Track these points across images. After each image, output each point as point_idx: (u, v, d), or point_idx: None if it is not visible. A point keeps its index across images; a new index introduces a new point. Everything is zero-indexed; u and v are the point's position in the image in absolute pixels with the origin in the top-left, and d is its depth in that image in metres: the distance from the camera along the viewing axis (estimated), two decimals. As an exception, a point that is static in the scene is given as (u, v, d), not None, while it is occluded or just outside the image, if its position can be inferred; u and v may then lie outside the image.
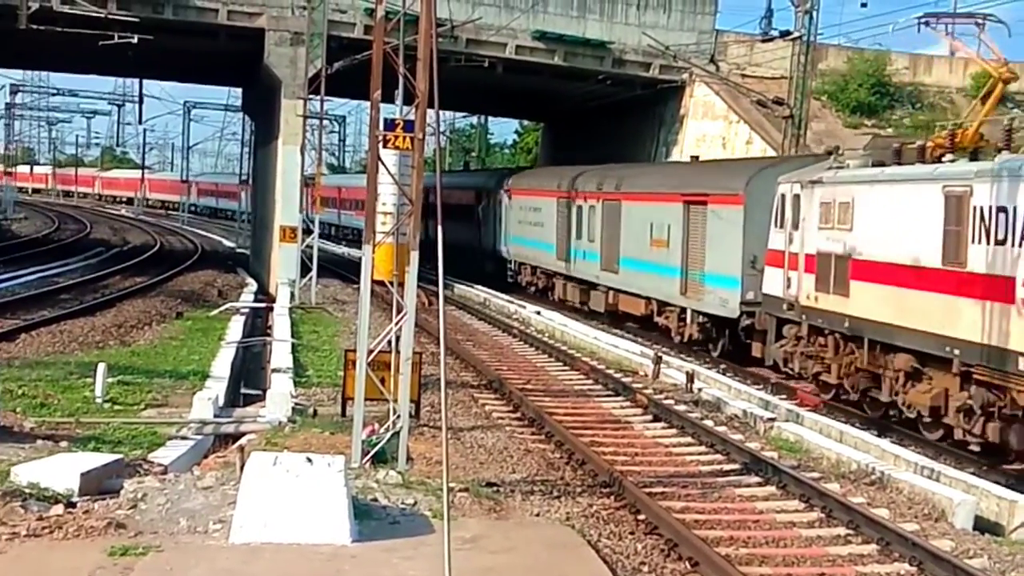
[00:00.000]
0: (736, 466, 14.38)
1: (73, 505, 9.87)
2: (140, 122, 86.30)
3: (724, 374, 21.71)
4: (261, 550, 8.97)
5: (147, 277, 37.71)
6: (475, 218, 43.43)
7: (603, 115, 43.25)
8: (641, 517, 11.61)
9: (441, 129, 35.70)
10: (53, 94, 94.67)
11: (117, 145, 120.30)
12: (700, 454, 15.21)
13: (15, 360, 19.50)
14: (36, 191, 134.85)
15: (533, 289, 37.07)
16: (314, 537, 9.20)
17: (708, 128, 39.16)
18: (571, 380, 21.25)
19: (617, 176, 31.36)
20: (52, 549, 8.84)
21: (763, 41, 36.98)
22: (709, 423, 16.82)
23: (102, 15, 31.31)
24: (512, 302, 33.95)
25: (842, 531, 11.63)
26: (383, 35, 11.02)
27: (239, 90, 61.67)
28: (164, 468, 12.23)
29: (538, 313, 30.93)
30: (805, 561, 10.71)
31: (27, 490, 10.05)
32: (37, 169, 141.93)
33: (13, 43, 34.32)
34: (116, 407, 16.13)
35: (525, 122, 75.10)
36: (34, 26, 31.46)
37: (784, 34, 35.45)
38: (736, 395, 19.29)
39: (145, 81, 73.00)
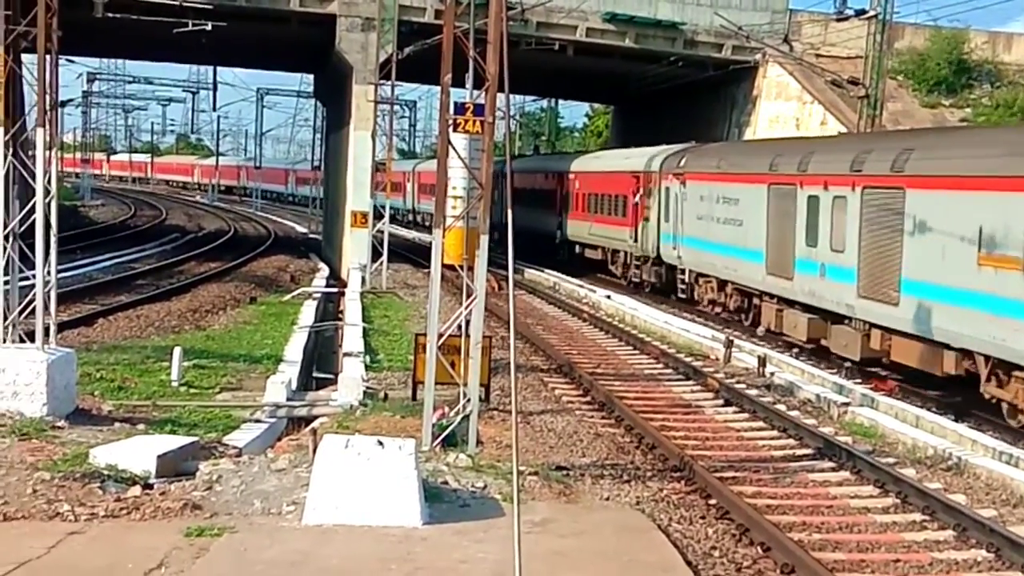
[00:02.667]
0: (809, 451, 14.22)
1: (150, 487, 10.05)
2: (214, 109, 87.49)
3: (797, 358, 21.44)
4: (333, 532, 9.06)
5: (221, 262, 38.22)
6: (627, 212, 33.92)
7: (674, 97, 42.89)
8: (712, 502, 11.53)
9: (511, 113, 35.60)
10: (129, 82, 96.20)
11: (192, 132, 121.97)
12: (772, 439, 15.06)
13: (93, 344, 19.89)
14: (116, 178, 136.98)
15: (719, 311, 27.28)
16: (385, 519, 9.26)
17: (781, 109, 38.69)
18: (641, 364, 21.15)
19: (895, 148, 19.30)
20: (130, 529, 9.00)
21: (838, 20, 36.35)
22: (782, 407, 16.64)
23: (177, 3, 31.74)
24: (582, 286, 33.85)
25: (918, 517, 11.45)
26: (453, 19, 11.01)
27: (311, 76, 62.13)
28: (238, 451, 12.40)
29: (608, 297, 30.79)
30: (880, 547, 10.56)
31: (105, 472, 10.25)
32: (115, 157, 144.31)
33: (90, 32, 34.84)
34: (192, 390, 16.39)
35: (595, 105, 74.80)
36: (110, 14, 31.97)
37: (859, 13, 34.82)
38: (810, 379, 19.06)
39: (219, 68, 73.93)
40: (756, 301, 24.81)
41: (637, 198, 33.10)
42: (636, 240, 33.36)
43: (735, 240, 25.60)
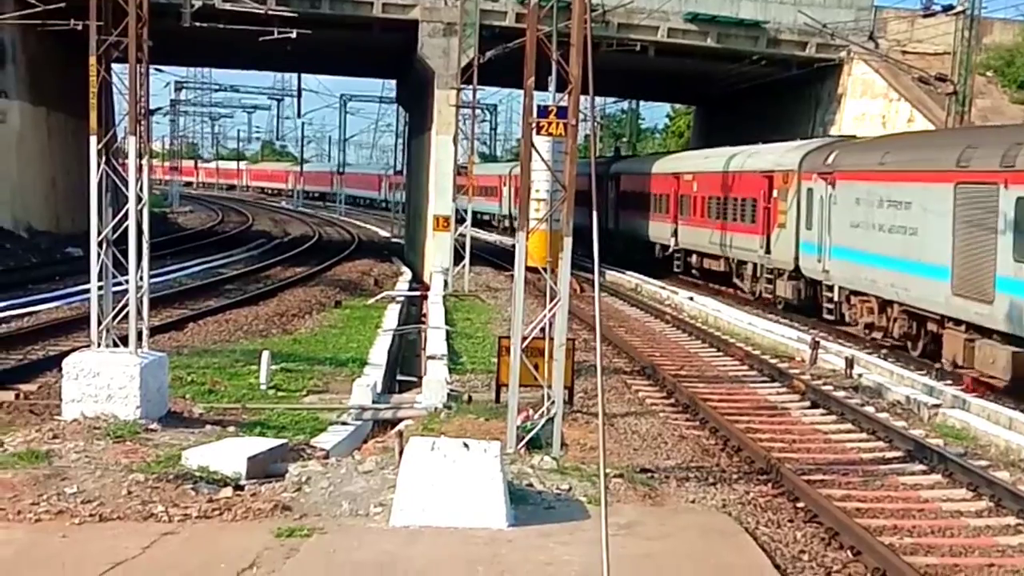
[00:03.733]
0: (899, 454, 14.00)
1: (241, 488, 10.21)
2: (299, 115, 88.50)
3: (886, 359, 21.11)
4: (420, 533, 9.13)
5: (307, 267, 38.68)
6: (757, 218, 30.22)
7: (757, 96, 42.52)
8: (800, 505, 11.41)
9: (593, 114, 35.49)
10: (215, 90, 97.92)
11: (277, 139, 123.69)
12: (861, 441, 14.85)
13: (184, 348, 20.24)
14: (202, 184, 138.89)
15: (878, 336, 22.98)
16: (471, 521, 9.31)
17: (867, 107, 38.17)
18: (725, 366, 21.00)
19: None
20: (222, 530, 9.16)
21: (924, 16, 35.81)
22: (870, 409, 16.41)
23: (262, 11, 32.21)
24: (664, 288, 33.69)
25: (1012, 520, 11.21)
26: (536, 22, 11.04)
27: (393, 82, 62.65)
28: (326, 452, 12.54)
29: (691, 299, 30.62)
30: (973, 551, 10.36)
31: (197, 473, 10.44)
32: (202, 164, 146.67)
33: (178, 41, 35.53)
34: (280, 393, 16.62)
35: (676, 106, 74.39)
36: (197, 24, 32.56)
37: (947, 8, 34.25)
38: (898, 381, 18.76)
39: (303, 75, 74.89)
40: (934, 328, 20.19)
41: (769, 202, 29.36)
42: (768, 250, 29.32)
43: (905, 252, 20.99)
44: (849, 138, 29.44)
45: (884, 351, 22.14)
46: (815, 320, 26.13)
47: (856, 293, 23.88)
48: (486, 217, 66.74)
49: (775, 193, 28.97)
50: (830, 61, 38.81)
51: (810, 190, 26.50)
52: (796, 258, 27.44)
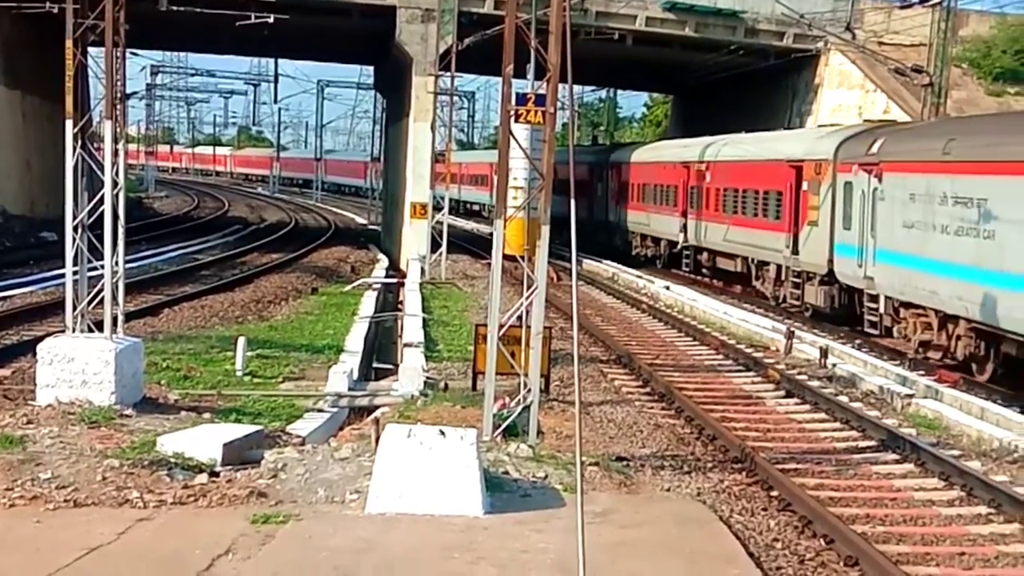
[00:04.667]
0: (872, 443, 14.10)
1: (216, 474, 10.19)
2: (275, 101, 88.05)
3: (860, 349, 21.24)
4: (396, 520, 9.14)
5: (283, 253, 38.59)
6: (782, 213, 27.14)
7: (734, 86, 42.63)
8: (774, 493, 11.48)
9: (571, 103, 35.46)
10: (192, 75, 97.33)
11: (253, 124, 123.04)
12: (835, 430, 14.94)
13: (159, 334, 20.18)
14: (174, 170, 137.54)
15: (937, 356, 19.66)
16: (447, 509, 9.33)
17: (843, 98, 38.35)
18: (701, 355, 21.08)
19: None
20: (197, 516, 9.15)
21: (902, 7, 36.03)
22: (844, 399, 16.51)
23: (239, -4, 32.08)
24: (640, 277, 33.75)
25: (983, 510, 11.31)
26: (515, 9, 11.03)
27: (371, 68, 62.48)
28: (302, 439, 12.54)
29: (667, 288, 30.68)
30: (945, 540, 10.45)
31: (172, 459, 10.42)
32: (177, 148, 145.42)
33: (154, 25, 35.33)
34: (255, 380, 16.59)
35: (654, 95, 74.49)
36: (174, 7, 32.38)
37: (923, 0, 34.40)
38: (872, 371, 18.88)
39: (280, 61, 74.55)
40: (1011, 350, 17.39)
41: (797, 195, 26.27)
42: (795, 251, 26.20)
43: (978, 259, 17.74)
44: (891, 123, 26.98)
45: (858, 341, 22.25)
46: (849, 331, 23.36)
47: (908, 305, 20.45)
48: (475, 207, 66.20)
49: (805, 185, 25.74)
50: (807, 51, 38.96)
51: (848, 183, 23.26)
52: (830, 261, 24.27)
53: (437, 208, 34.88)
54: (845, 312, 24.06)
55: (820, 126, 30.34)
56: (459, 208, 65.79)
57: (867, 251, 22.18)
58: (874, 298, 21.97)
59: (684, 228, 34.50)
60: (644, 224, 38.85)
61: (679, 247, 35.08)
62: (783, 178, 26.87)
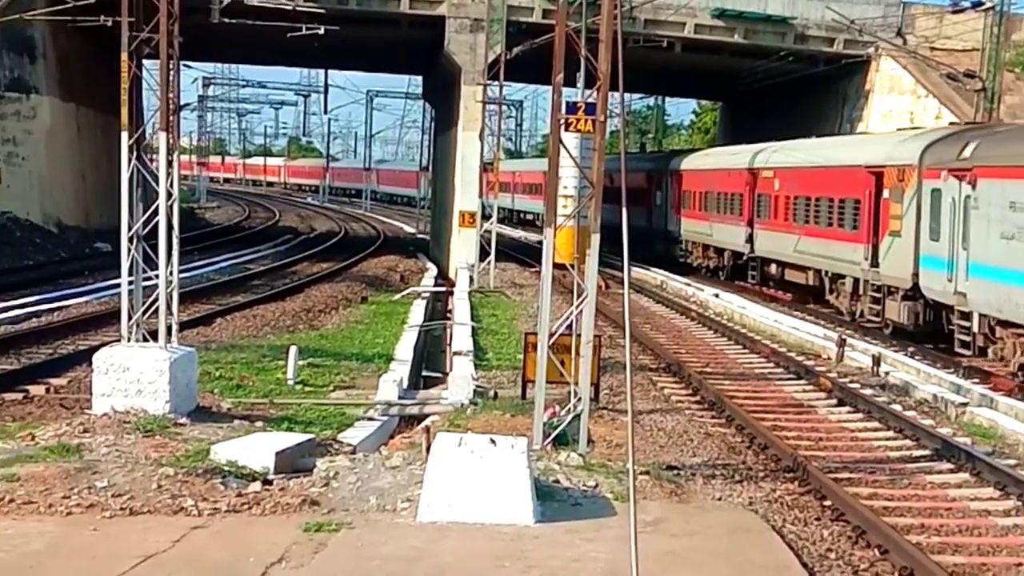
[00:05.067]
0: (926, 452, 13.95)
1: (269, 482, 10.27)
2: (325, 112, 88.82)
3: (913, 357, 21.01)
4: (447, 529, 9.17)
5: (333, 263, 38.83)
6: (860, 223, 25.32)
7: (783, 93, 42.38)
8: (827, 503, 11.39)
9: (621, 111, 35.40)
10: (243, 86, 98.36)
11: (303, 134, 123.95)
12: (888, 439, 14.80)
13: (212, 343, 20.37)
14: (227, 180, 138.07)
15: None
16: (498, 517, 9.34)
17: (895, 103, 38.00)
18: (751, 363, 20.96)
19: None
20: (251, 524, 9.23)
21: (953, 12, 35.60)
22: (897, 407, 16.35)
23: (290, 7, 32.42)
24: (689, 284, 33.63)
25: (1041, 521, 11.17)
26: (565, 18, 11.05)
27: (419, 78, 62.75)
28: (353, 448, 12.59)
29: (716, 296, 30.54)
30: (1001, 550, 10.32)
31: (226, 467, 10.51)
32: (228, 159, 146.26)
33: (206, 37, 35.73)
34: (307, 389, 16.70)
35: (703, 102, 74.21)
36: (226, 20, 32.75)
37: (976, 4, 34.02)
38: (926, 379, 18.68)
39: (330, 71, 75.14)
40: None
41: (877, 203, 24.60)
42: (875, 263, 24.39)
43: None
44: (982, 124, 25.70)
45: (911, 349, 22.01)
46: (936, 351, 21.65)
47: (1007, 324, 19.04)
48: (529, 216, 65.62)
49: (886, 193, 23.94)
50: (858, 57, 38.66)
51: (936, 191, 21.79)
52: (914, 274, 22.57)
53: (486, 217, 34.96)
54: (931, 330, 22.43)
55: (899, 129, 28.85)
56: (513, 218, 65.49)
57: (958, 264, 20.66)
58: (966, 315, 20.39)
59: (750, 238, 33.02)
60: (706, 234, 37.38)
61: (744, 258, 33.61)
62: (861, 185, 25.27)
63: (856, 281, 25.55)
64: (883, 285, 24.07)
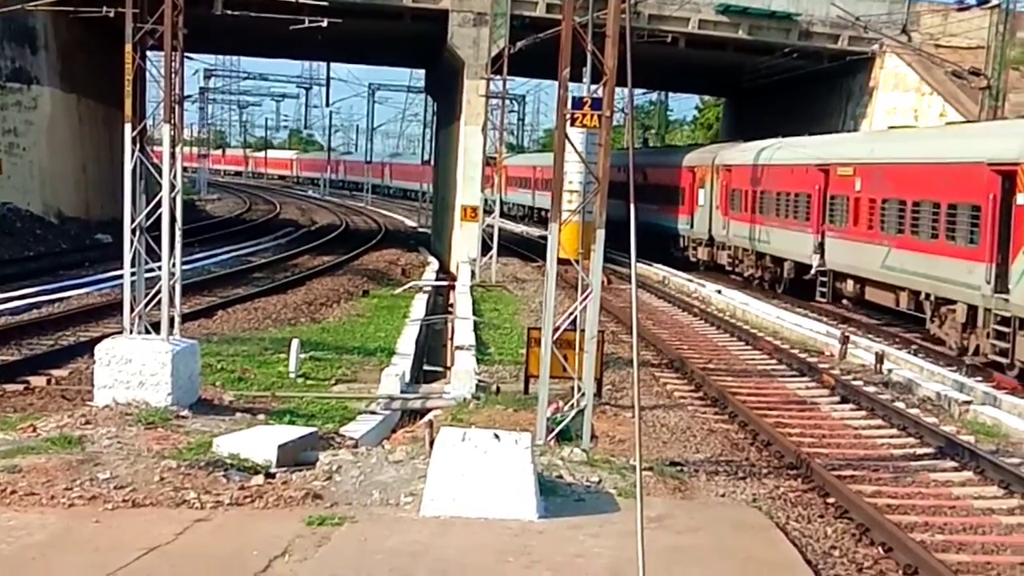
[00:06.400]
0: (930, 450, 13.92)
1: (272, 476, 10.24)
2: (327, 104, 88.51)
3: (916, 355, 20.97)
4: (451, 523, 9.14)
5: (334, 256, 38.78)
6: (981, 236, 19.88)
7: (788, 89, 42.31)
8: (831, 500, 11.36)
9: (626, 106, 35.18)
10: (244, 78, 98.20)
11: (304, 127, 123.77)
12: (891, 437, 14.77)
13: (213, 336, 20.34)
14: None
15: None
16: (501, 512, 9.31)
17: (899, 101, 37.92)
18: (754, 360, 20.92)
19: None
20: (254, 517, 9.19)
21: (959, 10, 35.60)
22: (900, 405, 16.32)
23: (293, 0, 32.29)
24: (691, 280, 33.56)
25: (1045, 520, 11.14)
26: (572, 12, 11.00)
27: (422, 72, 62.66)
28: (355, 441, 12.58)
29: (719, 292, 30.49)
30: (1005, 549, 10.29)
31: (229, 460, 10.49)
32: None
33: (208, 29, 35.67)
34: (309, 382, 16.69)
35: (706, 97, 74.16)
36: (228, 11, 32.68)
37: (982, 2, 33.99)
38: (929, 377, 18.65)
39: (332, 64, 74.99)
40: None
41: (1008, 212, 19.13)
42: (1001, 287, 19.11)
43: None
44: None
45: (915, 347, 21.97)
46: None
47: None
48: (545, 213, 64.68)
49: (1020, 198, 18.62)
50: (862, 54, 38.58)
51: None
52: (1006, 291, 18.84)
53: (488, 212, 34.93)
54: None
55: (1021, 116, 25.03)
56: (534, 215, 64.08)
57: None
58: None
59: (820, 248, 27.80)
60: (761, 240, 32.09)
61: (813, 271, 28.05)
62: (982, 187, 19.79)
63: (972, 309, 20.28)
64: (1013, 317, 18.77)
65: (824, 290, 27.83)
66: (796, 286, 29.76)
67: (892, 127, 30.03)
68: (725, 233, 35.19)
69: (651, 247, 37.25)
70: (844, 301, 27.15)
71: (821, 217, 27.79)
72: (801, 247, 28.86)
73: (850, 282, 26.43)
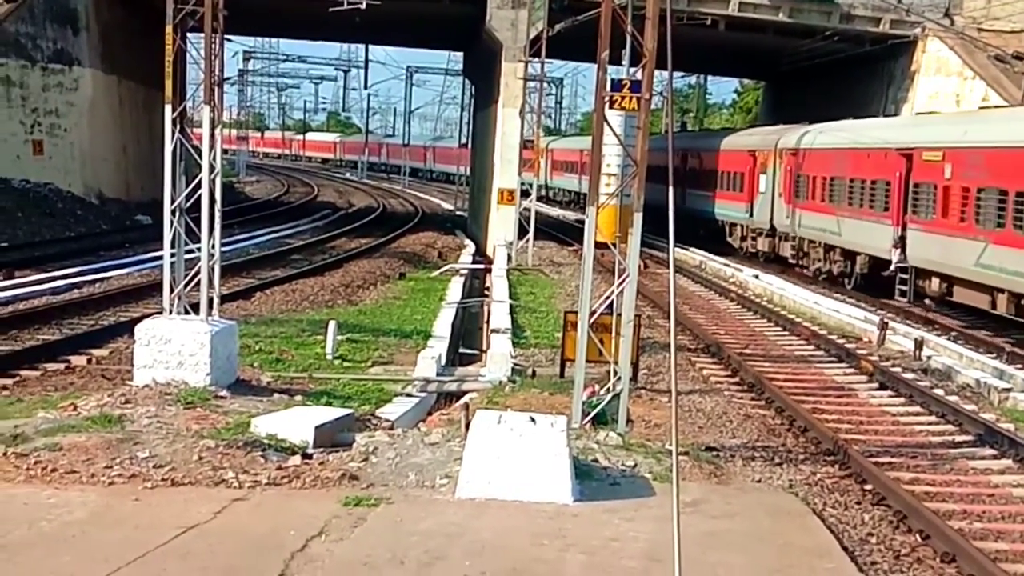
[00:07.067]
0: (969, 437, 13.80)
1: (309, 456, 10.31)
2: (365, 87, 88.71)
3: (955, 341, 20.77)
4: (486, 506, 9.17)
5: (371, 239, 38.91)
6: None
7: (828, 73, 41.91)
8: (868, 487, 11.30)
9: (663, 89, 34.92)
10: (283, 60, 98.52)
11: (343, 110, 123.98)
12: (930, 424, 14.66)
13: (252, 317, 20.48)
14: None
15: None
16: (537, 495, 9.33)
17: (941, 85, 37.48)
18: (791, 345, 20.81)
19: None
20: (291, 497, 9.26)
21: (1002, -8, 35.05)
22: (939, 392, 16.19)
23: (332, -18, 32.39)
24: (728, 265, 33.39)
25: (1085, 509, 11.02)
26: (611, -5, 10.96)
27: (459, 54, 62.62)
28: (391, 423, 12.63)
29: (756, 277, 30.32)
30: (1045, 539, 10.21)
31: (266, 441, 10.56)
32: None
33: (247, 11, 35.79)
34: (345, 364, 16.76)
35: (745, 81, 73.68)
36: (267, -6, 32.78)
37: (1026, -16, 33.49)
38: (968, 364, 18.48)
39: (370, 46, 75.13)
40: None
41: None
42: None
43: None
44: None
45: (954, 333, 21.75)
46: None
47: None
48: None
49: None
50: (904, 38, 38.17)
51: None
52: None
53: (524, 194, 34.88)
54: None
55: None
56: (580, 201, 63.13)
57: None
58: None
59: (900, 242, 25.09)
60: (830, 232, 29.28)
61: (893, 266, 25.37)
62: None
63: None
64: None
65: (904, 288, 25.05)
66: (869, 282, 27.19)
67: (920, 112, 28.97)
68: (789, 223, 32.15)
69: (703, 237, 36.79)
70: (927, 301, 24.58)
71: (902, 207, 25.08)
72: (877, 240, 26.12)
73: (935, 280, 23.80)
